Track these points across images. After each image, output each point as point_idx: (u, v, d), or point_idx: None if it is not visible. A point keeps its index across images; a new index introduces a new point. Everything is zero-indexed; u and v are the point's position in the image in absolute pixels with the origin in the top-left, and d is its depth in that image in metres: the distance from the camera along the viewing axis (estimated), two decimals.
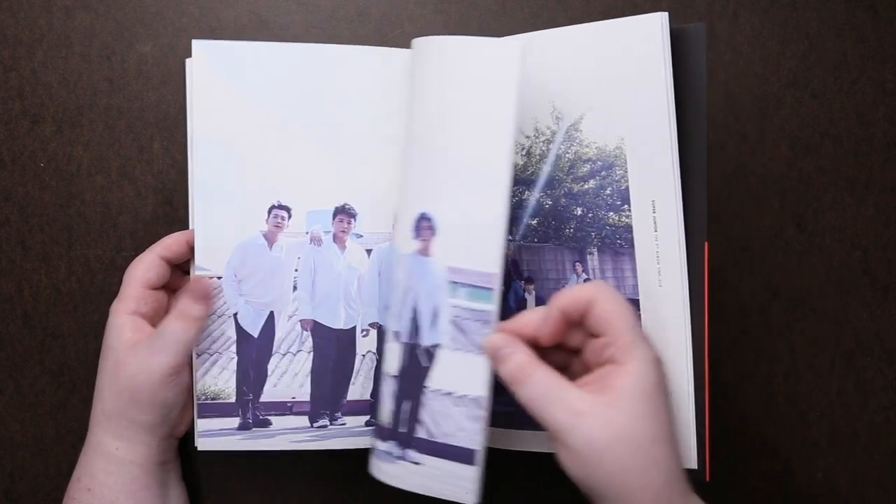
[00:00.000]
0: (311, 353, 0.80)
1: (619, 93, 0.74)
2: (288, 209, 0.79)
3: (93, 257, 0.85)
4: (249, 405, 0.80)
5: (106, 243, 0.85)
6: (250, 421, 0.79)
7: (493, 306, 0.69)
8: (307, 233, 0.79)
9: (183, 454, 0.83)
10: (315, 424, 0.80)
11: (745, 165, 0.85)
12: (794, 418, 0.86)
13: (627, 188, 0.75)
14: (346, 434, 0.80)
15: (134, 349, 0.75)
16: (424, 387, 0.72)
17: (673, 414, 0.67)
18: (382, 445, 0.74)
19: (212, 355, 0.79)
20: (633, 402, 0.65)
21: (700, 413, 0.74)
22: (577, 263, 0.78)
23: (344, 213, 0.79)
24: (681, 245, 0.74)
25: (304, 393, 0.80)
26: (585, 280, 0.77)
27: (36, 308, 0.86)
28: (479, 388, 0.70)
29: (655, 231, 0.75)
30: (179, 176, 0.85)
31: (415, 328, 0.72)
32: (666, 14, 0.72)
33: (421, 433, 0.72)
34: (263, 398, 0.79)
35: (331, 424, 0.80)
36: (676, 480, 0.66)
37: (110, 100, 0.85)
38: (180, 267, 0.81)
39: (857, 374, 0.86)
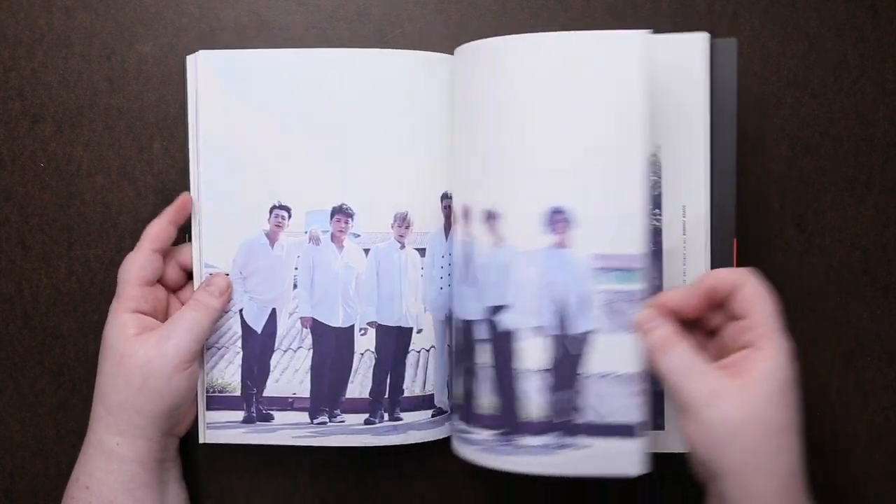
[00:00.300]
0: (311, 350, 0.80)
1: (658, 104, 0.75)
2: (288, 209, 0.79)
3: (93, 257, 0.86)
4: (253, 399, 0.81)
5: (106, 243, 0.86)
6: (254, 415, 0.80)
7: (641, 285, 0.72)
8: (306, 232, 0.80)
9: (183, 453, 0.83)
10: (315, 421, 0.80)
11: (745, 165, 0.85)
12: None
13: (660, 194, 0.77)
14: (346, 432, 0.80)
15: (142, 338, 0.75)
16: (579, 373, 0.73)
17: (799, 413, 0.68)
18: (536, 440, 0.74)
19: (219, 349, 0.81)
20: (769, 389, 0.66)
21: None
22: None
23: (341, 212, 0.79)
24: (707, 247, 0.78)
25: (304, 389, 0.80)
26: None
27: (36, 308, 0.86)
28: (636, 363, 0.72)
29: (684, 234, 0.78)
30: (179, 176, 0.85)
31: (561, 319, 0.74)
32: (708, 35, 0.76)
33: (583, 418, 0.73)
34: (266, 393, 0.81)
35: (330, 421, 0.80)
36: (798, 475, 0.67)
37: (110, 100, 0.85)
38: (185, 270, 0.82)
39: (857, 374, 0.86)
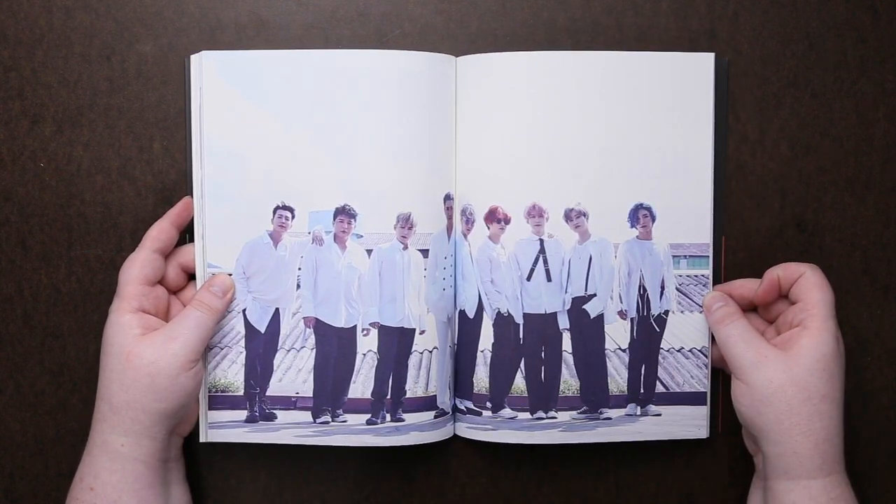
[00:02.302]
0: (314, 350, 0.80)
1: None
2: (291, 210, 0.80)
3: (93, 257, 0.85)
4: (256, 398, 0.81)
5: (106, 243, 0.85)
6: (257, 414, 0.81)
7: (709, 270, 0.84)
8: (309, 233, 0.80)
9: (185, 453, 0.83)
10: (317, 420, 0.81)
11: (745, 165, 0.85)
12: None
13: None
14: (348, 431, 0.80)
15: (148, 338, 0.76)
16: (659, 349, 0.85)
17: (843, 390, 0.78)
18: (619, 412, 0.85)
19: (222, 349, 0.81)
20: (811, 360, 0.76)
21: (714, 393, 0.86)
22: None
23: (344, 213, 0.80)
24: (710, 249, 0.85)
25: (307, 389, 0.80)
26: None
27: (36, 308, 0.86)
28: (703, 339, 0.85)
29: None
30: (179, 176, 0.85)
31: (643, 302, 0.85)
32: (712, 55, 0.84)
33: (659, 388, 0.85)
34: (269, 392, 0.81)
35: (333, 421, 0.80)
36: (836, 444, 0.77)
37: (110, 100, 0.85)
38: (187, 271, 0.82)
39: (857, 374, 0.86)
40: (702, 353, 0.84)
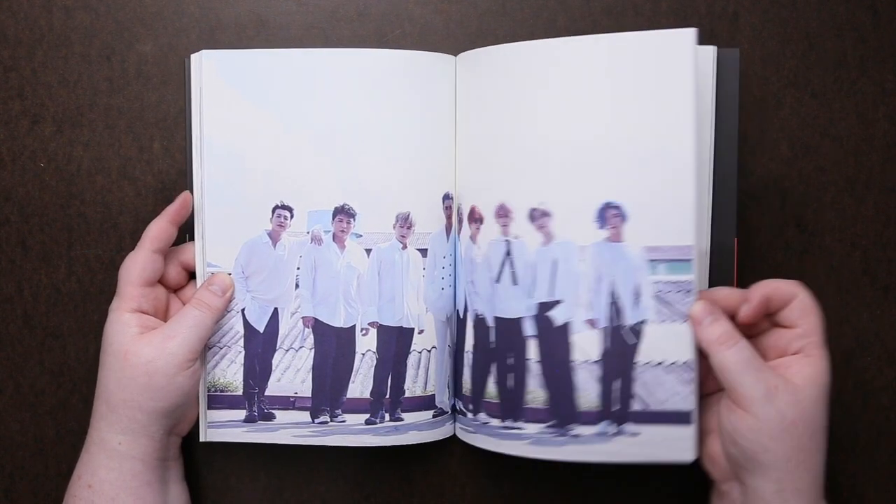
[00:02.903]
0: (313, 350, 0.80)
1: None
2: (290, 209, 0.80)
3: (93, 257, 0.85)
4: (255, 398, 0.81)
5: (106, 243, 0.85)
6: (255, 414, 0.81)
7: (692, 276, 0.74)
8: (308, 232, 0.80)
9: (184, 453, 0.83)
10: (316, 420, 0.81)
11: (745, 165, 0.85)
12: None
13: None
14: (347, 431, 0.80)
15: (146, 337, 0.76)
16: (634, 363, 0.76)
17: None
18: (590, 429, 0.76)
19: (221, 348, 0.81)
20: (817, 393, 0.72)
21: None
22: None
23: (343, 213, 0.80)
24: (706, 249, 0.80)
25: (305, 389, 0.80)
26: None
27: (36, 308, 0.86)
28: (688, 352, 0.75)
29: None
30: (179, 176, 0.85)
31: (615, 311, 0.76)
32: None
33: (636, 406, 0.76)
34: (268, 392, 0.81)
35: (331, 421, 0.80)
36: (823, 474, 0.73)
37: (110, 100, 0.85)
38: (187, 270, 0.82)
39: (857, 374, 0.86)
40: (686, 367, 0.74)
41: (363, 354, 0.80)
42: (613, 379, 0.76)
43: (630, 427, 0.75)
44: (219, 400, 0.81)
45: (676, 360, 0.75)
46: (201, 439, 0.81)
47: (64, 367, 0.86)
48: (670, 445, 0.75)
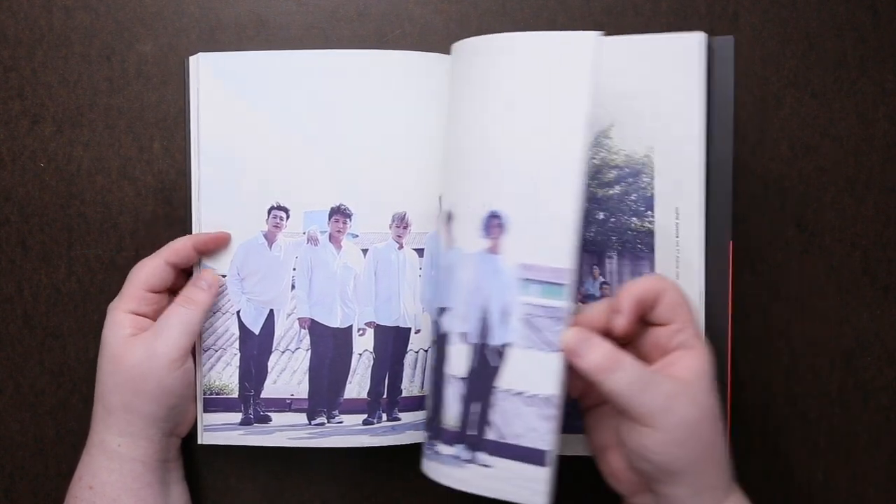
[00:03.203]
0: (309, 351, 0.80)
1: (652, 105, 0.75)
2: (286, 210, 0.80)
3: (93, 257, 0.86)
4: (251, 401, 0.81)
5: (106, 243, 0.86)
6: (251, 416, 0.80)
7: (565, 302, 0.68)
8: (304, 233, 0.80)
9: (184, 454, 0.83)
10: (313, 422, 0.80)
11: (745, 165, 0.85)
12: (794, 418, 0.86)
13: (653, 195, 0.77)
14: (344, 432, 0.80)
15: (136, 338, 0.76)
16: (494, 387, 0.70)
17: None
18: (448, 450, 0.72)
19: (217, 351, 0.81)
20: (706, 382, 0.68)
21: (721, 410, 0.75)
22: (595, 267, 0.78)
23: (339, 213, 0.80)
24: (700, 250, 0.76)
25: (302, 390, 0.80)
26: (602, 283, 0.79)
27: (36, 308, 0.86)
28: (551, 386, 0.68)
29: (677, 237, 0.76)
30: (179, 176, 0.85)
31: (484, 328, 0.71)
32: (704, 35, 0.74)
33: (491, 435, 0.70)
34: (264, 394, 0.81)
35: (328, 422, 0.80)
36: (729, 460, 0.71)
37: (110, 100, 0.85)
38: (184, 270, 0.81)
39: (857, 374, 0.86)
40: (548, 402, 0.68)
41: (360, 355, 0.80)
42: (473, 400, 0.71)
43: (482, 457, 0.70)
44: (214, 403, 0.81)
45: (538, 392, 0.69)
46: (199, 442, 0.81)
47: (64, 367, 0.86)
48: (521, 485, 0.69)
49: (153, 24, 0.85)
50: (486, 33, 0.78)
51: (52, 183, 0.85)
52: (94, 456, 0.77)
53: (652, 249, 0.77)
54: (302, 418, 0.80)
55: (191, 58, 0.80)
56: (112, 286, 0.79)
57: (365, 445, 0.80)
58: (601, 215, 0.78)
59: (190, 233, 0.81)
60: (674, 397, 0.66)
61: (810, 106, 0.85)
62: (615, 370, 0.66)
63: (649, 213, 0.77)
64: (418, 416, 0.81)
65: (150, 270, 0.78)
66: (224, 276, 0.80)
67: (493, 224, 0.70)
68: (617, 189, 0.77)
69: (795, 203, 0.85)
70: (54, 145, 0.85)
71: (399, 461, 0.87)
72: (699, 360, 0.68)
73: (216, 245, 0.79)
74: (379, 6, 0.85)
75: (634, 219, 0.77)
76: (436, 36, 0.85)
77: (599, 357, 0.66)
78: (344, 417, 0.80)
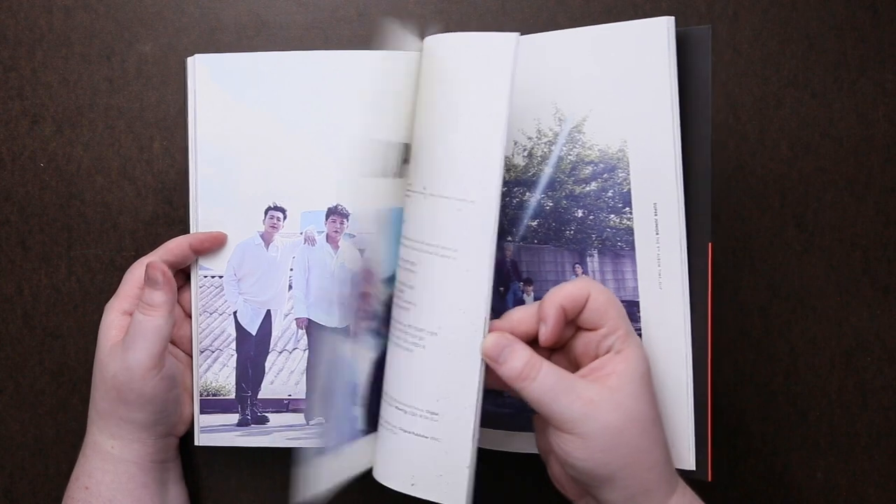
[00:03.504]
0: (307, 352, 0.80)
1: (622, 95, 0.74)
2: (283, 210, 0.79)
3: (93, 257, 0.86)
4: (248, 402, 0.80)
5: (106, 243, 0.86)
6: (249, 418, 0.80)
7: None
8: (301, 233, 0.80)
9: (182, 453, 0.83)
10: (311, 422, 0.80)
11: (745, 165, 0.85)
12: (794, 418, 0.86)
13: (629, 191, 0.75)
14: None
15: (113, 348, 0.75)
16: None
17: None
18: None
19: (213, 352, 0.80)
20: (635, 386, 0.66)
21: (702, 414, 0.74)
22: (577, 265, 0.78)
23: (336, 213, 0.80)
24: (682, 247, 0.74)
25: (299, 391, 0.80)
26: None
27: (36, 308, 0.86)
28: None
29: (657, 234, 0.75)
30: (179, 176, 0.85)
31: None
32: (672, 18, 0.72)
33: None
34: (261, 395, 0.81)
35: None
36: (670, 460, 0.68)
37: (110, 100, 0.85)
38: (182, 270, 0.81)
39: (857, 374, 0.86)
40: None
41: None
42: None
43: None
44: (211, 404, 0.81)
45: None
46: (195, 444, 0.81)
47: (64, 367, 0.86)
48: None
49: (153, 24, 0.85)
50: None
51: (52, 183, 0.85)
52: (89, 457, 0.77)
53: (632, 247, 0.75)
54: (300, 419, 0.80)
55: (189, 59, 0.80)
56: (112, 286, 0.79)
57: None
58: (580, 213, 0.77)
59: (189, 233, 0.81)
60: (594, 404, 0.65)
61: (810, 106, 0.85)
62: (534, 377, 0.66)
63: (627, 209, 0.75)
64: None
65: (144, 268, 0.77)
66: (221, 277, 0.80)
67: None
68: (593, 186, 0.76)
69: (795, 203, 0.85)
70: (54, 145, 0.85)
71: None
72: (627, 364, 0.67)
73: (213, 244, 0.79)
74: (379, 6, 0.85)
75: (613, 216, 0.76)
76: None
77: (518, 364, 0.66)
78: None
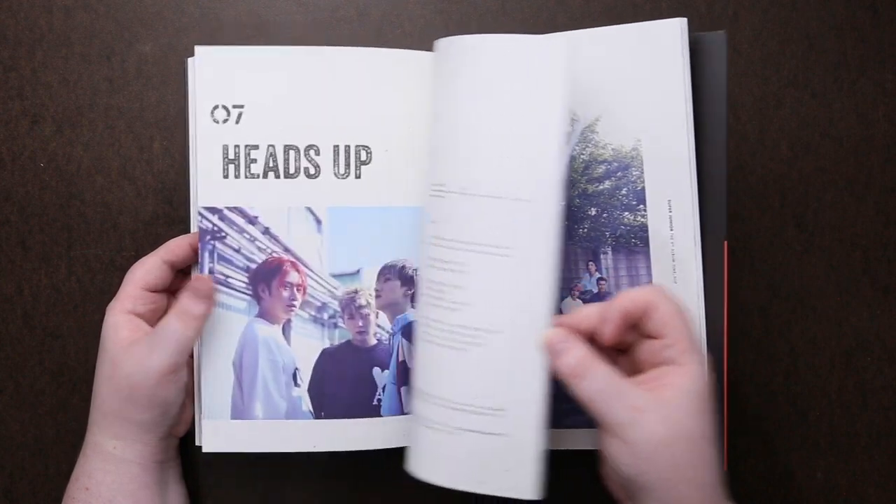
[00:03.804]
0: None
1: (636, 95, 0.75)
2: None
3: (93, 257, 0.85)
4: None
5: (106, 243, 0.86)
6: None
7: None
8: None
9: (183, 454, 0.83)
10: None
11: (745, 165, 0.85)
12: (794, 418, 0.86)
13: (644, 188, 0.76)
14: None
15: (130, 348, 0.75)
16: None
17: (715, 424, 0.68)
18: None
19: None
20: (690, 402, 0.66)
21: (718, 409, 0.75)
22: (591, 263, 0.78)
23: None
24: (696, 243, 0.75)
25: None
26: (599, 279, 0.78)
27: (36, 308, 0.86)
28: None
29: (671, 230, 0.76)
30: (179, 176, 0.85)
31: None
32: (685, 20, 0.73)
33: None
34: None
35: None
36: (721, 483, 0.67)
37: (110, 100, 0.85)
38: (182, 270, 0.81)
39: (857, 374, 0.86)
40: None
41: None
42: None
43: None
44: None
45: None
46: (197, 444, 0.81)
47: (64, 367, 0.86)
48: None
49: (153, 24, 0.85)
50: (485, 33, 0.78)
51: (52, 183, 0.85)
52: (89, 457, 0.77)
53: (646, 243, 0.76)
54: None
55: (190, 59, 0.79)
56: (112, 286, 0.79)
57: (367, 448, 0.80)
58: (593, 211, 0.78)
59: (189, 233, 0.81)
60: (642, 412, 0.66)
61: (810, 106, 0.85)
62: (585, 376, 0.67)
63: (641, 206, 0.76)
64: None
65: (147, 269, 0.77)
66: (210, 276, 0.79)
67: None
68: (607, 184, 0.77)
69: (795, 203, 0.85)
70: (54, 145, 0.85)
71: (399, 462, 0.87)
72: (685, 378, 0.67)
73: None
74: (379, 6, 0.85)
75: (627, 213, 0.77)
76: (436, 36, 0.85)
77: (573, 361, 0.67)
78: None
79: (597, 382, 0.67)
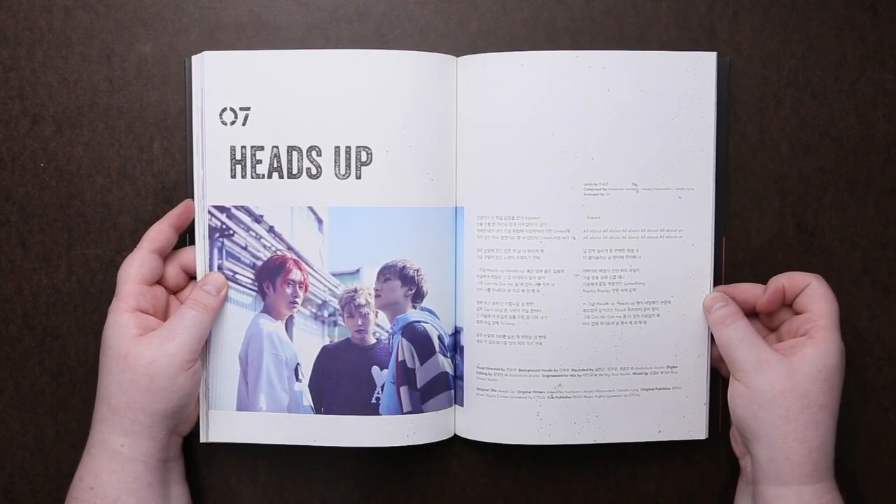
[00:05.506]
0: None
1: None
2: None
3: (93, 257, 0.85)
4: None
5: (106, 243, 0.85)
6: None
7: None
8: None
9: (185, 453, 0.83)
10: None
11: (745, 165, 0.85)
12: None
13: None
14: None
15: (145, 338, 0.76)
16: None
17: (839, 401, 0.77)
18: None
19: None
20: (814, 369, 0.76)
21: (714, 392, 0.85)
22: None
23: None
24: (710, 249, 0.83)
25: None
26: None
27: (36, 308, 0.86)
28: None
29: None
30: (179, 176, 0.85)
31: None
32: (714, 54, 0.82)
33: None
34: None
35: None
36: (828, 452, 0.77)
37: (110, 100, 0.85)
38: (187, 272, 0.82)
39: (857, 374, 0.86)
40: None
41: None
42: None
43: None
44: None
45: None
46: (202, 440, 0.81)
47: (64, 367, 0.86)
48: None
49: (153, 24, 0.85)
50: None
51: (52, 183, 0.85)
52: (94, 456, 0.77)
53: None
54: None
55: (194, 57, 0.80)
56: (112, 286, 0.79)
57: (368, 445, 0.80)
58: None
59: (191, 235, 0.81)
60: (767, 364, 0.76)
61: (810, 106, 0.85)
62: (728, 324, 0.79)
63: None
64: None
65: (139, 264, 0.78)
66: (221, 272, 0.80)
67: None
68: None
69: (795, 203, 0.85)
70: (54, 145, 0.85)
71: (399, 462, 0.87)
72: (815, 349, 0.76)
73: (186, 215, 0.81)
74: (379, 6, 0.85)
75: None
76: (436, 36, 0.85)
77: (724, 313, 0.80)
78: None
79: (736, 331, 0.78)
